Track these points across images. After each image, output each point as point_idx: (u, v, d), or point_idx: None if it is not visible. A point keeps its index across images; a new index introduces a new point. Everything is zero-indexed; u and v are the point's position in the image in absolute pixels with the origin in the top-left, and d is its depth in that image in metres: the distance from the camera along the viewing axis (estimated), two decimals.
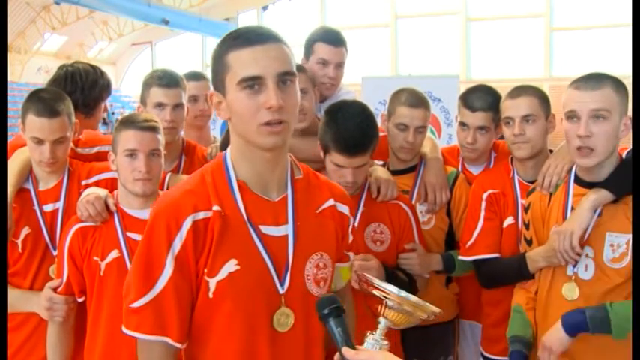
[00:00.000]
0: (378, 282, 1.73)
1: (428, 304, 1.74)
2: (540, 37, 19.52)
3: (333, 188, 1.74)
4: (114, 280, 2.19)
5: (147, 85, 2.67)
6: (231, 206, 1.53)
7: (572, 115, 2.07)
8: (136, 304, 1.50)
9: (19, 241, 2.35)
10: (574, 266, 2.12)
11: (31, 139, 2.32)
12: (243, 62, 1.47)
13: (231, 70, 1.49)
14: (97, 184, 2.44)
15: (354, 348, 1.42)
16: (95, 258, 2.21)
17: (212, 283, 1.51)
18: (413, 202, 2.59)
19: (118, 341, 2.19)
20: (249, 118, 1.48)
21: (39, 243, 2.38)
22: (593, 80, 2.06)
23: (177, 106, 2.65)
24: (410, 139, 2.58)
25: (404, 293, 1.70)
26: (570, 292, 2.13)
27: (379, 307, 1.74)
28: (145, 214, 2.25)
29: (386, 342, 1.65)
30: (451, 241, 2.67)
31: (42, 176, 2.42)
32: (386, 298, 1.68)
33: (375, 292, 1.72)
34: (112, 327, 2.19)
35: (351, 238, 1.77)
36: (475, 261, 2.53)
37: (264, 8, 23.06)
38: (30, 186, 2.40)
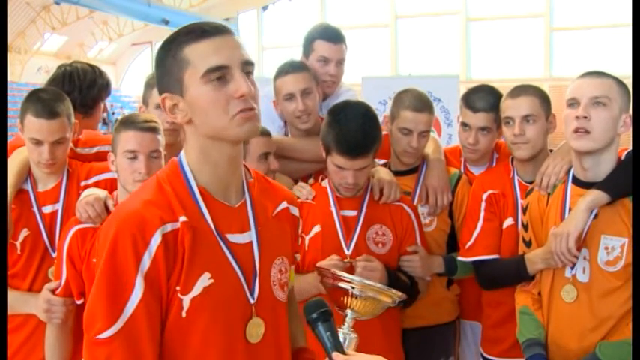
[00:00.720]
0: (341, 273, 1.83)
1: (392, 289, 1.82)
2: (540, 37, 19.52)
3: (284, 191, 1.70)
4: None
5: (149, 85, 2.64)
6: (196, 216, 1.42)
7: (572, 102, 2.08)
8: (105, 335, 1.33)
9: (18, 243, 2.34)
10: (572, 268, 2.11)
11: (30, 140, 2.30)
12: (205, 54, 1.38)
13: (190, 65, 1.39)
14: (97, 184, 2.43)
15: (344, 352, 1.40)
16: (94, 260, 2.18)
17: (186, 300, 1.39)
18: (414, 203, 2.58)
19: None
20: (219, 111, 1.38)
21: (38, 245, 2.37)
22: (597, 73, 2.09)
23: None
24: (414, 144, 2.56)
25: (367, 280, 1.80)
26: (569, 294, 2.12)
27: (344, 298, 1.77)
28: None
29: (354, 335, 1.70)
30: (453, 243, 2.65)
31: (41, 177, 2.41)
32: (351, 287, 1.74)
33: (341, 283, 1.79)
34: None
35: (299, 240, 1.74)
36: (474, 262, 2.51)
37: (264, 8, 23.07)
38: (29, 187, 2.39)
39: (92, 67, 2.81)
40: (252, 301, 1.47)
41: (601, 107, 2.04)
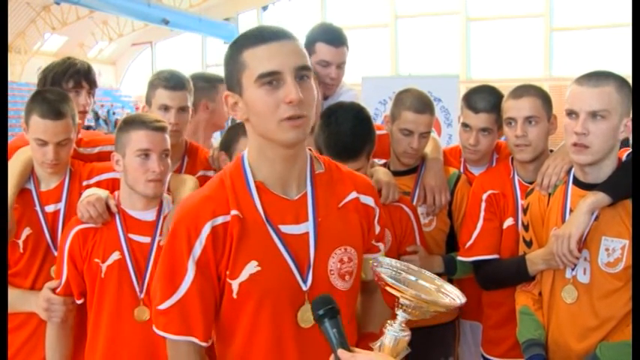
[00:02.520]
0: (390, 280, 1.55)
1: (444, 299, 1.55)
2: (540, 37, 19.54)
3: (356, 179, 1.73)
4: (115, 282, 2.18)
5: (153, 85, 2.63)
6: (250, 208, 1.57)
7: (571, 112, 2.06)
8: (163, 307, 1.57)
9: (20, 242, 2.35)
10: (572, 269, 2.11)
11: (35, 140, 2.31)
12: (260, 59, 1.49)
13: (247, 68, 1.50)
14: (98, 184, 2.43)
15: (349, 350, 1.41)
16: (96, 260, 2.19)
17: (235, 284, 1.56)
18: (414, 203, 2.58)
19: (119, 344, 2.19)
20: (269, 114, 1.49)
21: (40, 244, 2.37)
22: (596, 78, 2.04)
23: (182, 109, 2.62)
24: (414, 145, 2.56)
25: (420, 292, 1.49)
26: (569, 295, 2.12)
27: (395, 301, 1.64)
28: (147, 216, 2.24)
29: (406, 333, 1.51)
30: (452, 243, 2.65)
31: (43, 177, 2.41)
32: (400, 295, 1.51)
33: (388, 289, 1.54)
34: (113, 329, 2.19)
35: (378, 229, 1.75)
36: (474, 262, 2.51)
37: (264, 8, 23.09)
38: (31, 186, 2.39)
39: (69, 58, 2.79)
40: (305, 289, 1.58)
41: (600, 120, 2.01)
